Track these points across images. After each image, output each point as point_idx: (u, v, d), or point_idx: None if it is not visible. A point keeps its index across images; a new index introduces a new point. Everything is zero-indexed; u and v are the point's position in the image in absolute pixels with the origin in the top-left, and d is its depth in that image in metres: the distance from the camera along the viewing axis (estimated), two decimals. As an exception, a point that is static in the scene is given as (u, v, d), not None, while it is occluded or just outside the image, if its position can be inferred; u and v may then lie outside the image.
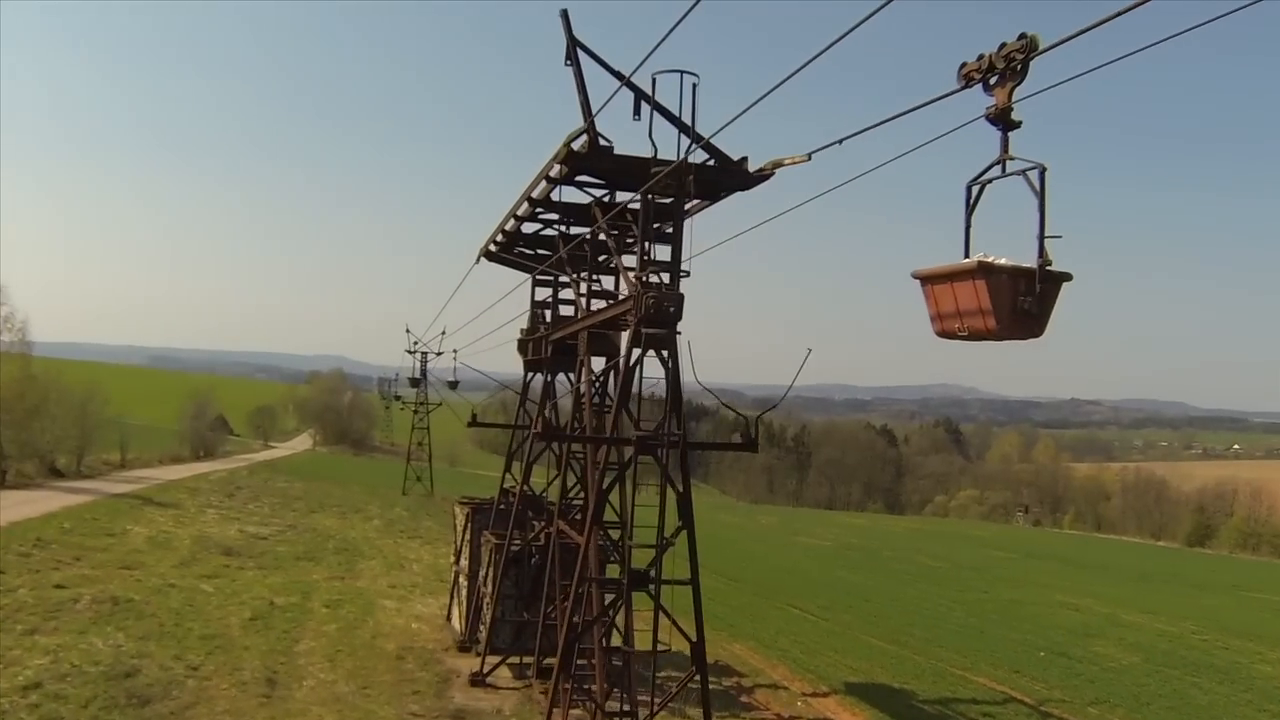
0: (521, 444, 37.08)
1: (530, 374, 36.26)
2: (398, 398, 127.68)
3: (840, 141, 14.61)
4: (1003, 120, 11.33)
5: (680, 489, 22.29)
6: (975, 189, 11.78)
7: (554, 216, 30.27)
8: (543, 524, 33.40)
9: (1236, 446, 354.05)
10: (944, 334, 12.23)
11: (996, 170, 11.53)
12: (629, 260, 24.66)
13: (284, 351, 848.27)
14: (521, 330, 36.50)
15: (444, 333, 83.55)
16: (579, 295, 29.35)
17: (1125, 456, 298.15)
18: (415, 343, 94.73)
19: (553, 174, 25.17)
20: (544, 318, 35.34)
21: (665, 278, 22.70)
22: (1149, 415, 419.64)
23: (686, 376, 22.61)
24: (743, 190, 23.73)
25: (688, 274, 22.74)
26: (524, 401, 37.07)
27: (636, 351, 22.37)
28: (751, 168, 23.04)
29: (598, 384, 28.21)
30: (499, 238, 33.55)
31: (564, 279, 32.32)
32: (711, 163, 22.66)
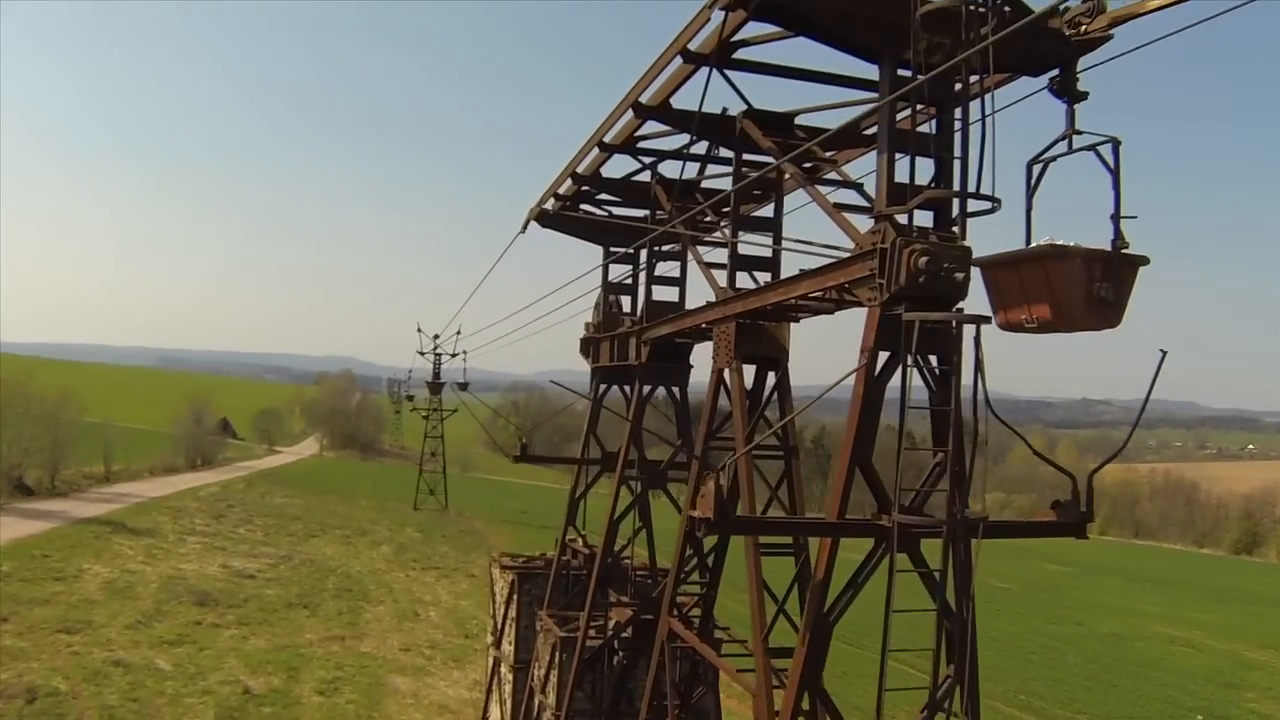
0: (591, 485, 25.91)
1: (602, 385, 25.00)
2: (409, 398, 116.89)
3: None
4: (1068, 92, 10.50)
5: (962, 609, 11.84)
6: (1038, 168, 10.71)
7: (663, 147, 19.06)
8: (633, 610, 22.08)
9: (1251, 446, 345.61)
10: (1008, 326, 10.79)
11: (1062, 146, 10.48)
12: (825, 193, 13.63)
13: (294, 352, 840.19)
14: (588, 324, 25.33)
15: (459, 332, 73.63)
16: (706, 266, 17.82)
17: (1140, 457, 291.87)
18: (436, 338, 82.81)
19: (696, 44, 13.84)
20: (618, 305, 24.39)
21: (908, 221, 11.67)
22: (1161, 415, 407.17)
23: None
24: (1034, 72, 12.44)
25: (995, 206, 11.50)
26: (594, 425, 25.60)
27: (883, 357, 11.54)
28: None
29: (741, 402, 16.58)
30: (563, 189, 22.35)
31: (668, 246, 21.18)
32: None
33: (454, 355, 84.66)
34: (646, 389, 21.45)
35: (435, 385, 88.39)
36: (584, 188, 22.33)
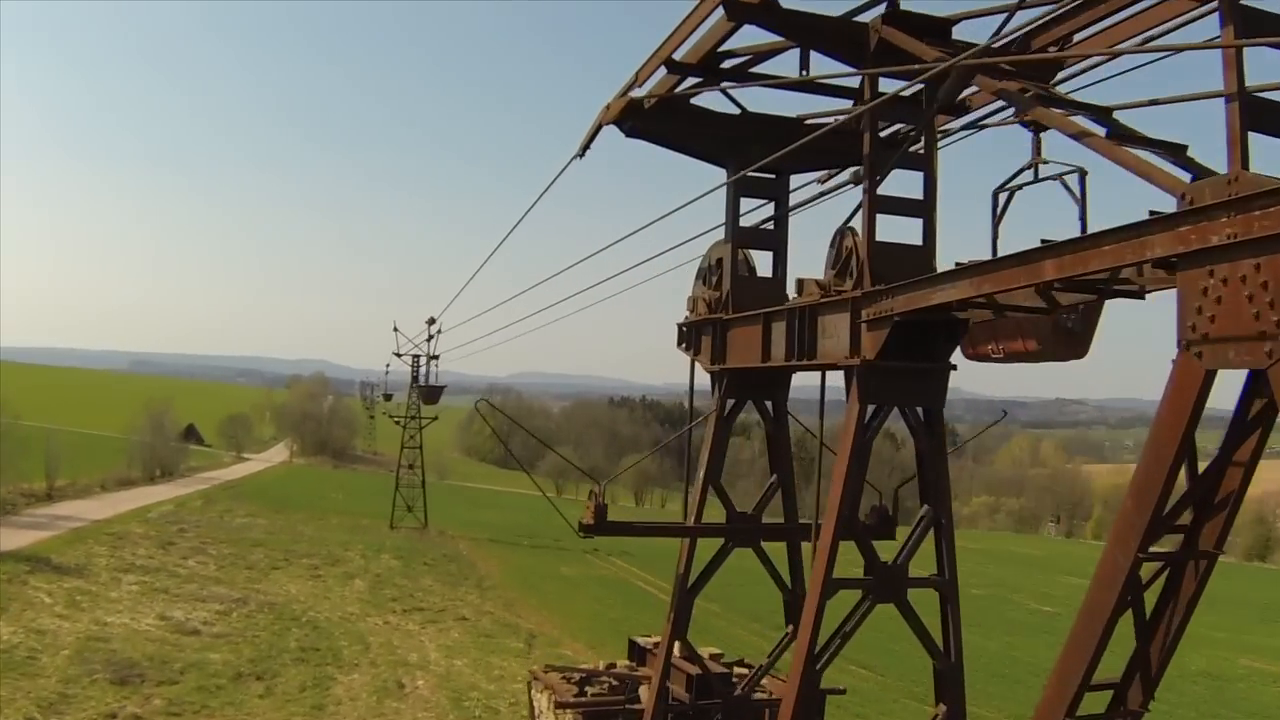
0: (716, 568, 15.33)
1: (726, 397, 14.51)
2: (387, 396, 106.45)
3: None
4: (1033, 121, 9.47)
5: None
6: (1004, 196, 10.15)
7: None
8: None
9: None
10: (975, 357, 10.93)
11: (1028, 175, 9.88)
12: None
13: (267, 355, 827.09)
14: (696, 300, 15.03)
15: (439, 331, 62.77)
16: (1117, 140, 7.54)
17: (1117, 458, 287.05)
18: (432, 322, 68.31)
19: None
20: (748, 265, 14.72)
21: None
22: (1136, 414, 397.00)
23: None
24: None
25: None
26: (717, 470, 15.05)
27: None
28: None
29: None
30: (685, 49, 12.20)
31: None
32: None
33: (433, 358, 74.61)
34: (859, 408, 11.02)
35: (431, 390, 74.46)
36: (724, 48, 12.24)
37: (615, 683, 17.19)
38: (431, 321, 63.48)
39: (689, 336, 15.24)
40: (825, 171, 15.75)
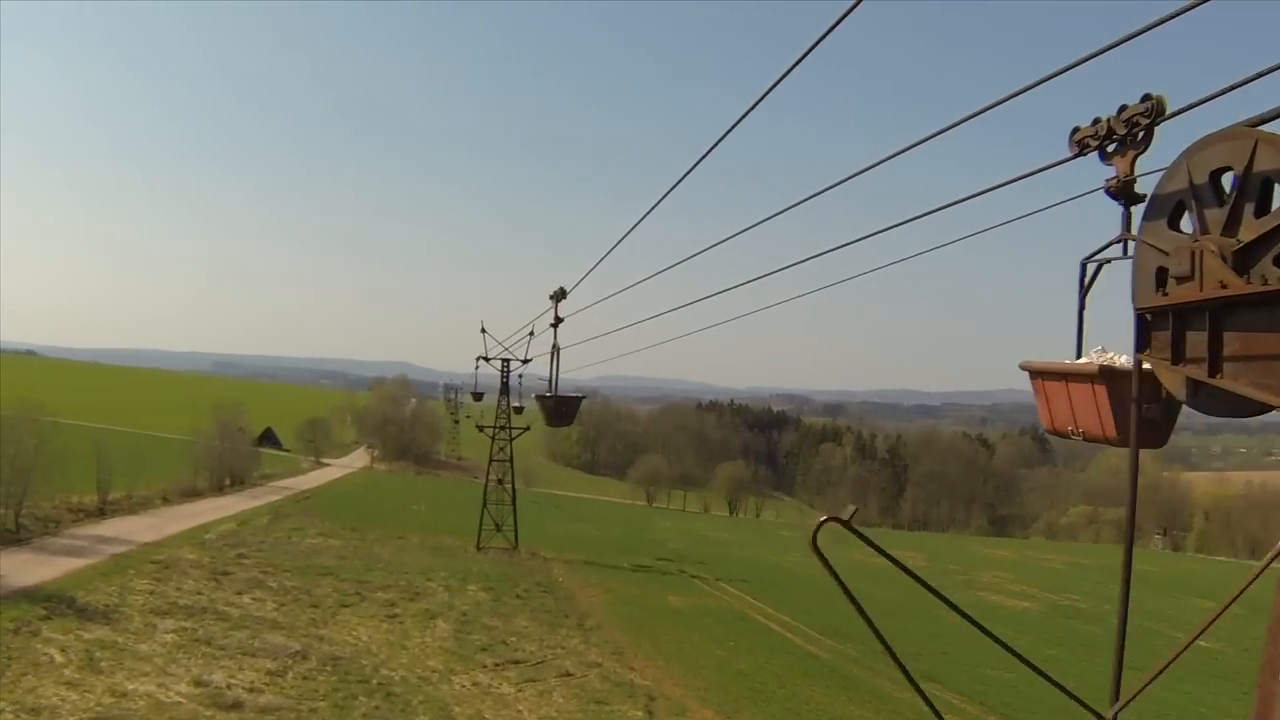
0: None
1: None
2: (478, 397, 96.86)
3: None
4: (1124, 194, 8.24)
5: None
6: (1091, 267, 8.85)
7: None
8: None
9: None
10: (1055, 432, 9.42)
11: (1117, 250, 8.48)
12: None
13: (350, 357, 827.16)
14: (1193, 260, 5.75)
15: (559, 321, 52.36)
16: None
17: (1206, 465, 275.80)
18: (561, 295, 54.09)
19: None
20: None
21: None
22: (1222, 421, 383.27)
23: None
24: None
25: None
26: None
27: None
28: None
29: None
30: None
31: None
32: None
33: (525, 361, 64.66)
34: None
35: (562, 403, 53.80)
36: None
37: None
38: (560, 296, 46.24)
39: (1178, 332, 6.25)
40: None
